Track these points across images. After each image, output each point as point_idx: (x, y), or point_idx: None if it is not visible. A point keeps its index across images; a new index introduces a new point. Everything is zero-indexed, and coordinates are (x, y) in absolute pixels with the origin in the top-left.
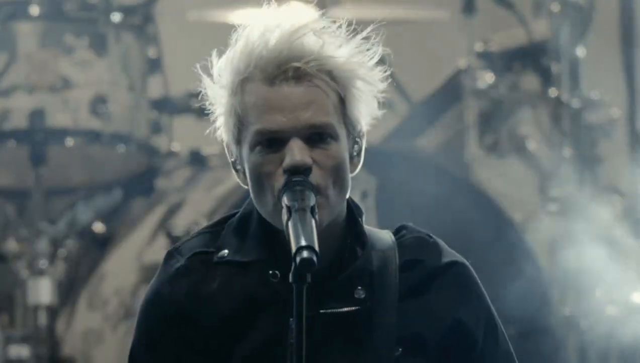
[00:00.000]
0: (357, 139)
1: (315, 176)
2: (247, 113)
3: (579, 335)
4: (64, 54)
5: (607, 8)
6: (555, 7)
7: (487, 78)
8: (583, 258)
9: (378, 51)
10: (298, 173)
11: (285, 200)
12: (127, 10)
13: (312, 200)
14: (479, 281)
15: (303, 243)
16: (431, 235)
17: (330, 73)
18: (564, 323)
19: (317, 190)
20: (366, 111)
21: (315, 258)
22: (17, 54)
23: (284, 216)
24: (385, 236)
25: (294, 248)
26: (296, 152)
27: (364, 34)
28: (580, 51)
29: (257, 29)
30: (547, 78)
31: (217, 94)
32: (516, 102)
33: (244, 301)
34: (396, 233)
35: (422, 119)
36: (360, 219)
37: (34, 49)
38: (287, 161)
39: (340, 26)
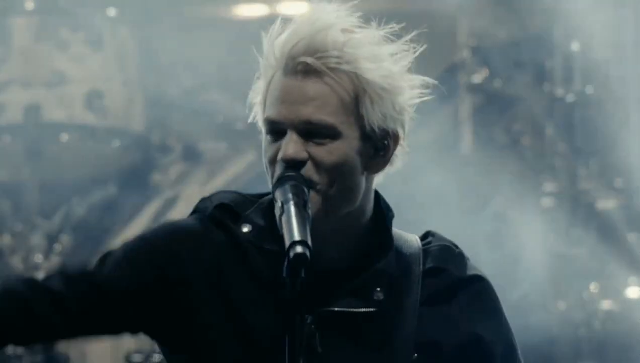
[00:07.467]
0: (385, 141)
1: (308, 170)
2: (266, 97)
3: (574, 330)
4: (59, 48)
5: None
6: (549, 3)
7: (481, 73)
8: (577, 253)
9: (409, 57)
10: (290, 166)
11: (277, 195)
12: (122, 5)
13: (305, 195)
14: (500, 301)
15: (296, 238)
16: (457, 245)
17: (348, 72)
18: (558, 317)
19: (309, 184)
20: (391, 112)
21: (308, 253)
22: (12, 49)
23: (277, 212)
24: (411, 240)
25: (287, 243)
26: (290, 146)
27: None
28: (575, 46)
29: (303, 17)
30: (541, 73)
31: (262, 66)
32: (510, 97)
33: (252, 283)
34: (422, 238)
35: (416, 114)
36: (388, 220)
37: (29, 44)
38: (280, 153)
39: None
